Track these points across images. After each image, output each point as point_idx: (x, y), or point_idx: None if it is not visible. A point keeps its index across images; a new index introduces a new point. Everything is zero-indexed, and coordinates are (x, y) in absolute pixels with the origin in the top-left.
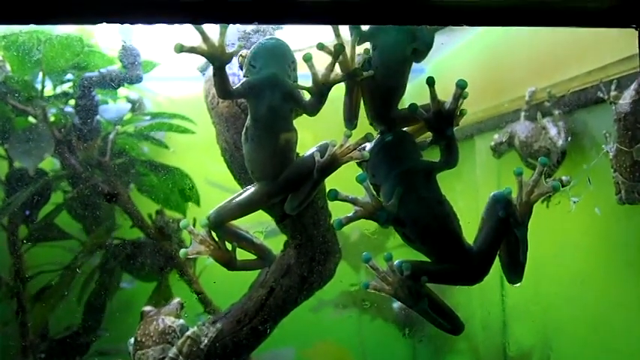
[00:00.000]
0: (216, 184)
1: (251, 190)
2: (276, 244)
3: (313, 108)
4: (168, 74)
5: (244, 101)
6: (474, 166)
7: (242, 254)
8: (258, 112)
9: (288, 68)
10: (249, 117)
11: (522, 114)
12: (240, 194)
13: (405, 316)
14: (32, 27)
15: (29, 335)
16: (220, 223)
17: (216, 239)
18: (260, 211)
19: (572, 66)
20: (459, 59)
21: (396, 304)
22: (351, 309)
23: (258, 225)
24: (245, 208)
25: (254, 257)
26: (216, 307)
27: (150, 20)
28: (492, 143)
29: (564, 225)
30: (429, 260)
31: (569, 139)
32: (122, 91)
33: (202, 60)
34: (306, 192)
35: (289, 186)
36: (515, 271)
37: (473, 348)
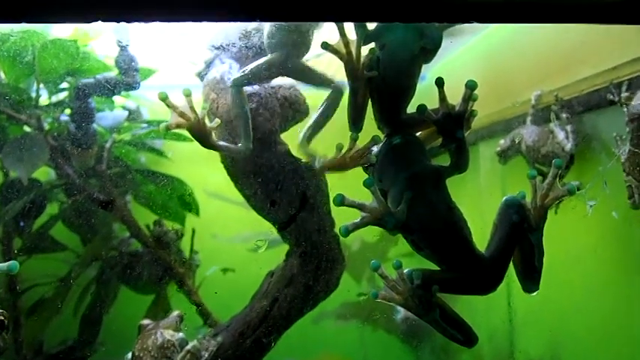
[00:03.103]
0: (214, 194)
1: None
2: (277, 254)
3: None
4: (165, 82)
5: None
6: (478, 174)
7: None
8: None
9: None
10: None
11: (528, 118)
12: None
13: (408, 328)
14: (24, 26)
15: (23, 350)
16: None
17: (196, 112)
18: (261, 221)
19: (581, 68)
20: (460, 65)
21: (399, 316)
22: (353, 320)
23: (260, 235)
24: None
25: None
26: (216, 319)
27: (146, 18)
28: (498, 149)
29: (576, 230)
30: (439, 269)
31: (579, 141)
32: (119, 100)
33: (200, 66)
34: None
35: None
36: (531, 278)
37: (478, 358)
